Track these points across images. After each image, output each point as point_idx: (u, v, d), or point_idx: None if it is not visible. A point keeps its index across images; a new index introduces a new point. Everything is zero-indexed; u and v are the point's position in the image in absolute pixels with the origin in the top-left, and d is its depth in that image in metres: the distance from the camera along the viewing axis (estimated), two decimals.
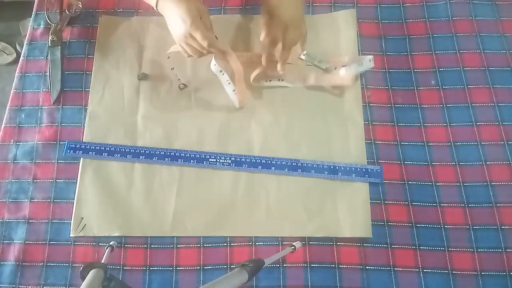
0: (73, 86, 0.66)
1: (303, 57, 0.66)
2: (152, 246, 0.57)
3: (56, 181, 0.61)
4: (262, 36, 0.59)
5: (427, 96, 0.63)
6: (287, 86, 0.64)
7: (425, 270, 0.54)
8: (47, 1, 0.70)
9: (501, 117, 0.61)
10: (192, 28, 0.53)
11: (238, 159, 0.60)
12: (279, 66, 0.60)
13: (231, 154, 0.61)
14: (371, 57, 0.62)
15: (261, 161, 0.60)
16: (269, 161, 0.60)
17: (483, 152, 0.60)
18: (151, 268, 0.56)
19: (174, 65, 0.66)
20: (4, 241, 0.58)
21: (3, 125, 0.65)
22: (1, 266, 0.57)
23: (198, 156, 0.61)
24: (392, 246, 0.56)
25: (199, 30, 0.53)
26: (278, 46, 0.58)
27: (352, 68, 0.62)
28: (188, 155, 0.61)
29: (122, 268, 0.56)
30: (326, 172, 0.59)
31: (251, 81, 0.64)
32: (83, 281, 0.39)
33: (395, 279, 0.54)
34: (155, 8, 0.58)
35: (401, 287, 0.54)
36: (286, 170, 0.59)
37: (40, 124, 0.65)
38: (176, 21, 0.54)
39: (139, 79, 0.66)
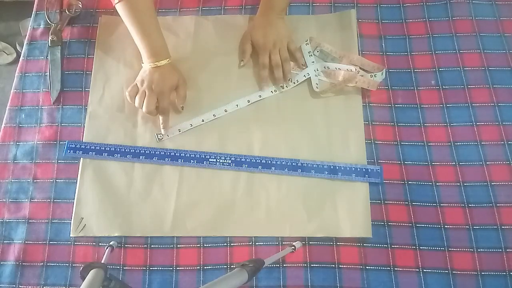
0: (73, 86, 0.66)
1: (316, 53, 0.66)
2: (152, 246, 0.57)
3: (56, 181, 0.61)
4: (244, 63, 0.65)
5: (427, 96, 0.63)
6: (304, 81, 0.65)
7: (425, 270, 0.54)
8: (47, 1, 0.70)
9: (501, 117, 0.61)
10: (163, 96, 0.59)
11: (238, 159, 0.60)
12: (284, 79, 0.64)
13: (231, 154, 0.61)
14: (384, 70, 0.62)
15: (261, 161, 0.60)
16: (269, 161, 0.60)
17: (483, 152, 0.60)
18: (151, 268, 0.56)
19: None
20: (4, 241, 0.58)
21: (3, 125, 0.65)
22: (1, 266, 0.57)
23: (198, 156, 0.61)
24: (392, 246, 0.56)
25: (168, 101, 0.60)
26: (277, 66, 0.64)
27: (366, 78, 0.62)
28: (188, 155, 0.61)
29: (122, 268, 0.56)
30: (326, 172, 0.59)
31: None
32: (83, 281, 0.39)
33: (395, 279, 0.54)
34: (142, 65, 0.61)
35: (401, 287, 0.54)
36: (286, 170, 0.59)
37: (40, 124, 0.64)
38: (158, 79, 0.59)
39: None
